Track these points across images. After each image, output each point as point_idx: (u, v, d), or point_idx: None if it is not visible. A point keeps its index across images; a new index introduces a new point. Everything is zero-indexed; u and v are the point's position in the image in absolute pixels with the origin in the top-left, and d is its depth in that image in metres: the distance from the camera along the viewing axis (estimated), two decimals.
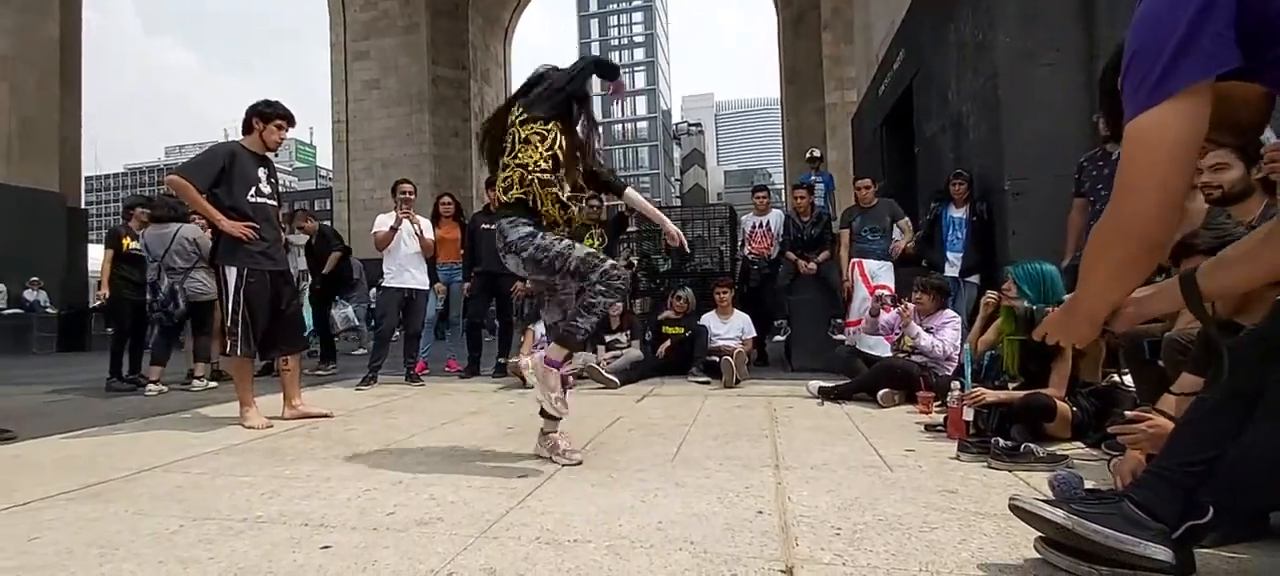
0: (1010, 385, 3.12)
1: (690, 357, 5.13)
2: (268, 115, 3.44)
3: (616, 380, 4.74)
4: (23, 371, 6.18)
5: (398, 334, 5.35)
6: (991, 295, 3.11)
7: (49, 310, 11.47)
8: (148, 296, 5.13)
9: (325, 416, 3.53)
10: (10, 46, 10.56)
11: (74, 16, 13.22)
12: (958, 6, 5.48)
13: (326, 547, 1.64)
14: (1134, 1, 0.97)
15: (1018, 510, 1.41)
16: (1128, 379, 2.82)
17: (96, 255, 5.10)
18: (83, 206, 14.48)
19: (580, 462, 2.44)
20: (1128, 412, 1.86)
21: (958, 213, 5.02)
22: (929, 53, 6.32)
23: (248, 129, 3.46)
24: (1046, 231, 4.15)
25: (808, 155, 8.20)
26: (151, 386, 4.80)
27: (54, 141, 11.88)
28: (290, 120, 3.50)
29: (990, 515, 1.78)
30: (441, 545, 1.64)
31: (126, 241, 5.28)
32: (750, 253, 6.29)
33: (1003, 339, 2.97)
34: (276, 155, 3.64)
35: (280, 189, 3.72)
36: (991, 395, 2.75)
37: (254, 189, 3.39)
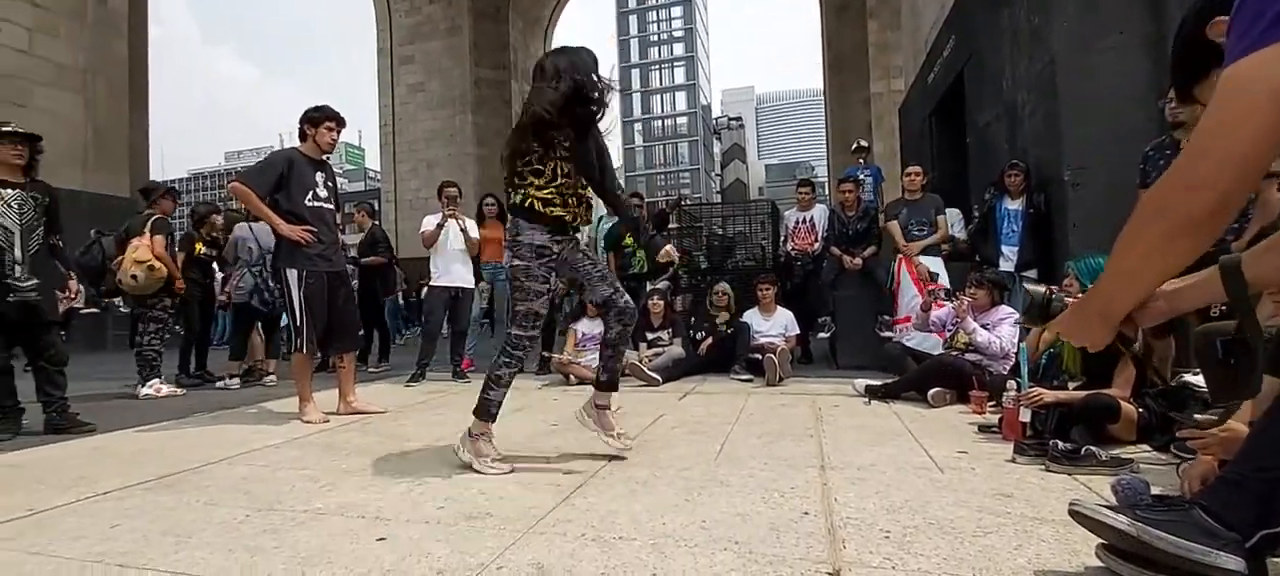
0: (1070, 385, 3.00)
1: (732, 355, 5.10)
2: (317, 120, 3.57)
3: (659, 377, 4.75)
4: (100, 367, 6.60)
5: (445, 332, 5.48)
6: (1052, 289, 2.99)
7: (122, 309, 12.16)
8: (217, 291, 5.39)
9: (379, 413, 3.65)
10: (85, 61, 11.23)
11: (141, 33, 13.98)
12: None
13: (382, 539, 1.70)
14: None
15: (1078, 515, 1.35)
16: (1199, 378, 2.67)
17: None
18: None
19: (629, 449, 2.55)
20: (1198, 415, 1.77)
21: (1013, 205, 4.83)
22: (982, 39, 6.09)
23: (302, 137, 3.61)
24: (1108, 225, 3.91)
25: (853, 147, 8.01)
26: (232, 381, 5.12)
27: (124, 150, 12.58)
28: (339, 121, 3.62)
29: (1048, 520, 1.72)
30: (490, 540, 1.68)
31: (199, 246, 5.56)
32: (793, 248, 6.20)
33: (1063, 338, 2.86)
34: (329, 157, 3.77)
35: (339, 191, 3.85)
36: (1050, 395, 2.65)
37: (311, 193, 3.52)
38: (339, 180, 4.09)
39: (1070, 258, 4.17)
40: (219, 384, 5.07)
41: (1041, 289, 1.34)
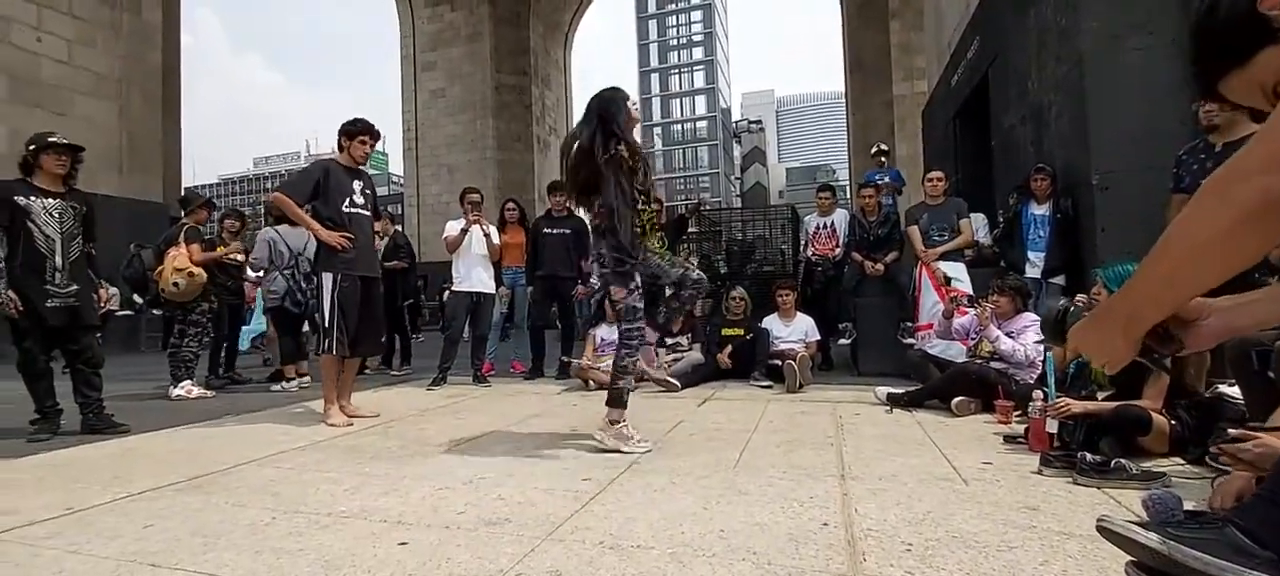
0: (1099, 394, 2.93)
1: (752, 361, 5.07)
2: (352, 132, 3.72)
3: (678, 382, 4.74)
4: (134, 368, 6.78)
5: (465, 335, 5.53)
6: (1081, 298, 2.92)
7: (155, 312, 12.50)
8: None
9: (372, 417, 3.70)
10: (121, 71, 11.58)
11: (174, 43, 14.39)
12: None
13: (403, 544, 1.72)
14: None
15: (1107, 531, 1.32)
16: (1234, 389, 2.59)
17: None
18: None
19: (649, 450, 2.74)
20: (1232, 430, 1.72)
21: (1040, 209, 4.74)
22: (1007, 40, 6.00)
23: (340, 147, 3.78)
24: (1140, 230, 3.86)
25: (873, 150, 7.93)
26: (290, 383, 5.29)
27: (158, 156, 12.94)
28: (373, 134, 3.77)
29: (1075, 535, 1.68)
30: (510, 546, 1.69)
31: (221, 249, 5.69)
32: (813, 254, 6.15)
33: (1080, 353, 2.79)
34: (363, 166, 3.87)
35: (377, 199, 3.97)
36: (1078, 406, 2.59)
37: (348, 200, 3.67)
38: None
39: (1098, 265, 4.10)
40: (275, 388, 5.20)
41: (1058, 304, 1.18)
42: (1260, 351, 2.10)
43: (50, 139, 3.25)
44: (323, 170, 3.70)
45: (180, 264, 4.72)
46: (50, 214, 3.22)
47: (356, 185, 3.71)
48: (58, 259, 3.21)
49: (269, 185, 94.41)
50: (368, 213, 3.77)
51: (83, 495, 2.23)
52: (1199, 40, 0.85)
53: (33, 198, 3.19)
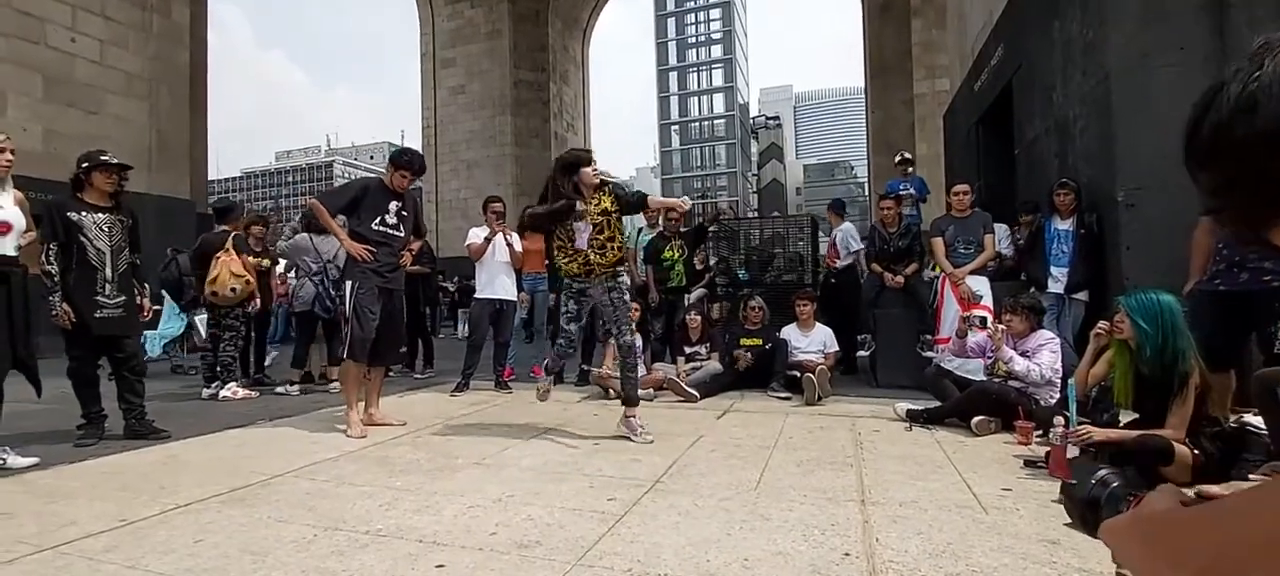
0: (1122, 417, 2.93)
1: (770, 371, 5.11)
2: (396, 164, 3.95)
3: (696, 393, 4.80)
4: (165, 368, 6.96)
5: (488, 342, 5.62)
6: (1103, 326, 2.91)
7: (185, 317, 12.79)
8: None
9: (400, 425, 3.81)
10: (150, 71, 11.85)
11: (201, 43, 14.67)
12: (1064, 2, 5.14)
13: (441, 566, 1.80)
14: None
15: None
16: (1260, 420, 2.58)
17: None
18: (210, 212, 16.01)
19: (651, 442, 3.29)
20: (1252, 475, 1.73)
21: (1063, 225, 4.70)
22: (1032, 49, 5.94)
23: (389, 171, 3.97)
24: (1165, 249, 3.85)
25: (897, 159, 7.88)
26: (294, 387, 5.37)
27: (185, 154, 13.22)
28: (412, 169, 3.98)
29: (1095, 573, 1.72)
30: (542, 570, 1.76)
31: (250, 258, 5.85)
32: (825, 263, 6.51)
33: (1114, 371, 2.80)
34: (412, 189, 4.07)
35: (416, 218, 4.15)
36: (1100, 433, 2.60)
37: (380, 219, 3.84)
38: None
39: (1123, 284, 4.07)
40: (279, 389, 5.31)
41: (1090, 482, 0.71)
42: None
43: (102, 158, 3.38)
44: (362, 187, 3.92)
45: (237, 270, 4.94)
46: (100, 228, 3.36)
47: (393, 205, 3.88)
48: (108, 271, 3.35)
49: (290, 179, 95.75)
50: (399, 234, 3.93)
51: (133, 506, 2.34)
52: (1233, 158, 0.48)
53: (83, 213, 3.33)
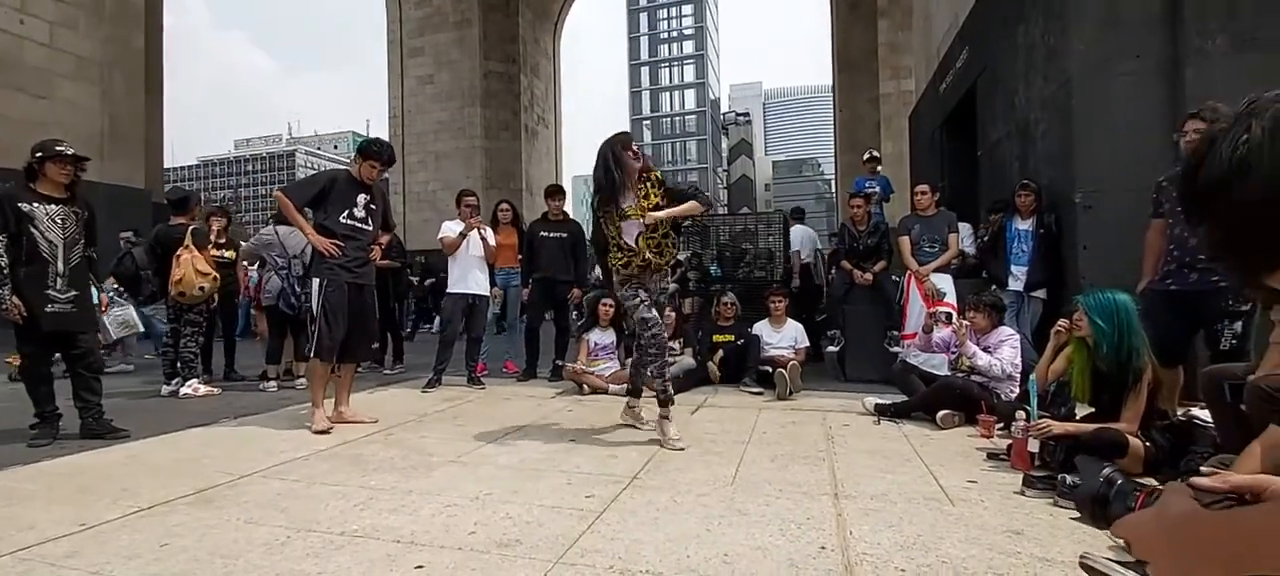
0: (1078, 412, 3.05)
1: (742, 367, 5.17)
2: (365, 154, 3.86)
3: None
4: (123, 365, 6.69)
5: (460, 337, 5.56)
6: (1063, 324, 3.03)
7: (160, 316, 12.31)
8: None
9: (371, 423, 3.73)
10: (103, 54, 11.34)
11: (157, 25, 14.09)
12: (1028, 7, 5.30)
13: (420, 567, 1.78)
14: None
15: (1089, 570, 1.43)
16: (1206, 413, 2.73)
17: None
18: (165, 202, 15.47)
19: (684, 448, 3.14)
20: (1203, 468, 1.83)
21: (1023, 224, 4.87)
22: (995, 53, 6.11)
23: (356, 162, 3.86)
24: (1120, 249, 4.01)
25: (866, 156, 8.04)
26: (270, 383, 5.22)
27: (140, 141, 12.70)
28: (382, 160, 3.88)
29: (1057, 562, 1.79)
30: (523, 569, 1.76)
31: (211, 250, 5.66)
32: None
33: (1073, 367, 2.91)
34: (380, 180, 3.97)
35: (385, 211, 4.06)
36: (1059, 427, 2.71)
37: (348, 212, 3.74)
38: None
39: (1080, 282, 4.24)
40: (262, 387, 5.19)
41: (1099, 478, 0.80)
42: (1233, 385, 2.23)
43: (57, 148, 3.24)
44: (330, 179, 3.81)
45: (202, 267, 4.77)
46: (52, 220, 3.22)
47: (361, 199, 3.78)
48: (59, 264, 3.22)
49: (250, 169, 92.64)
50: (368, 227, 3.84)
51: (94, 508, 2.26)
52: (1230, 217, 0.53)
53: (36, 203, 3.18)
